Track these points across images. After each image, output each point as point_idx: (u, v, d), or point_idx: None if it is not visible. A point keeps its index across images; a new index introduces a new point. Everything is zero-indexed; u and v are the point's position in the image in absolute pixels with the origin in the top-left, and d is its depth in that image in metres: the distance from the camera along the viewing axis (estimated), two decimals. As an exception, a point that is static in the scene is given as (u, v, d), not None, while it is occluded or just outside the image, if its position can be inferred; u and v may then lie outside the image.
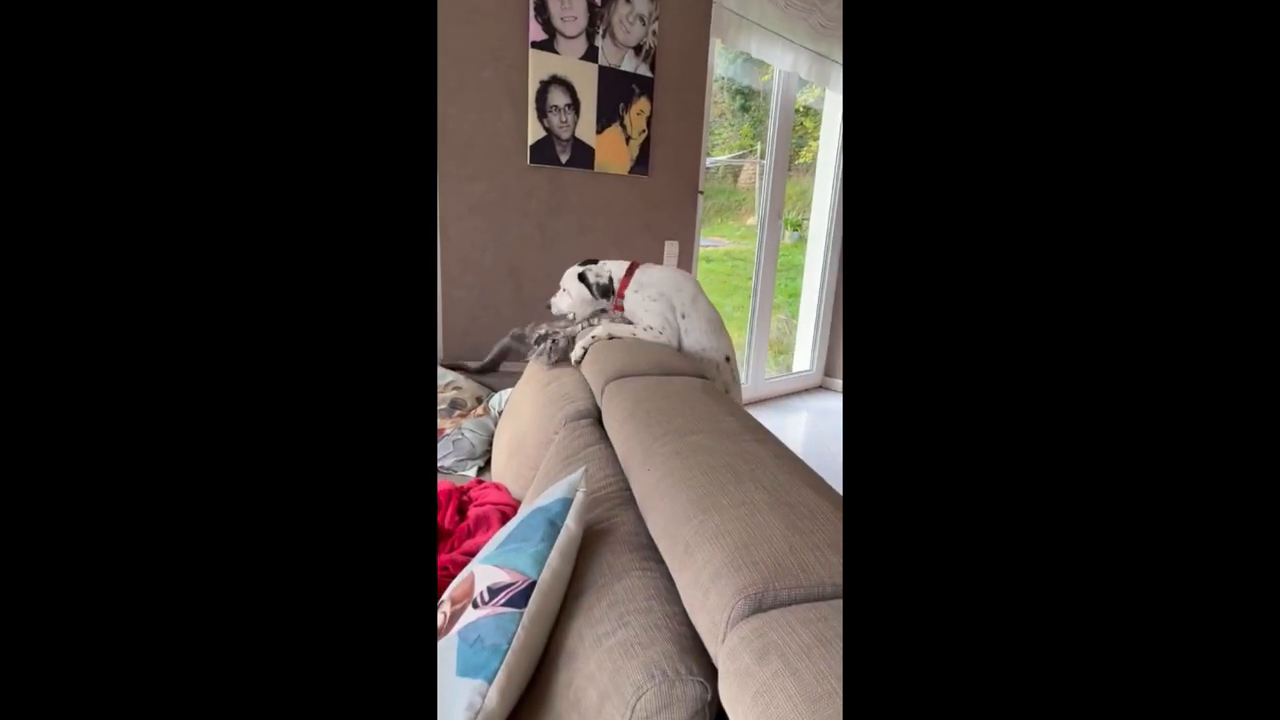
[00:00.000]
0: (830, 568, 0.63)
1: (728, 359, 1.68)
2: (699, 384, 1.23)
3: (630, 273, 1.68)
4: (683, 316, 1.64)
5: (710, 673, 0.61)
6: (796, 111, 3.30)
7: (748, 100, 3.41)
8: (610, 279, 1.68)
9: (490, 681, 0.65)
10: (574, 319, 1.74)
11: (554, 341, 1.58)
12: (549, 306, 1.79)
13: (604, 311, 1.72)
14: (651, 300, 1.63)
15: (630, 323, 1.63)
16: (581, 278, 1.69)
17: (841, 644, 0.52)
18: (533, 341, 1.64)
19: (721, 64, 3.05)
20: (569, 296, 1.73)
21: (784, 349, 3.93)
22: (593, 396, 1.34)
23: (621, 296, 1.67)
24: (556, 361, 1.56)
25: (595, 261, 1.74)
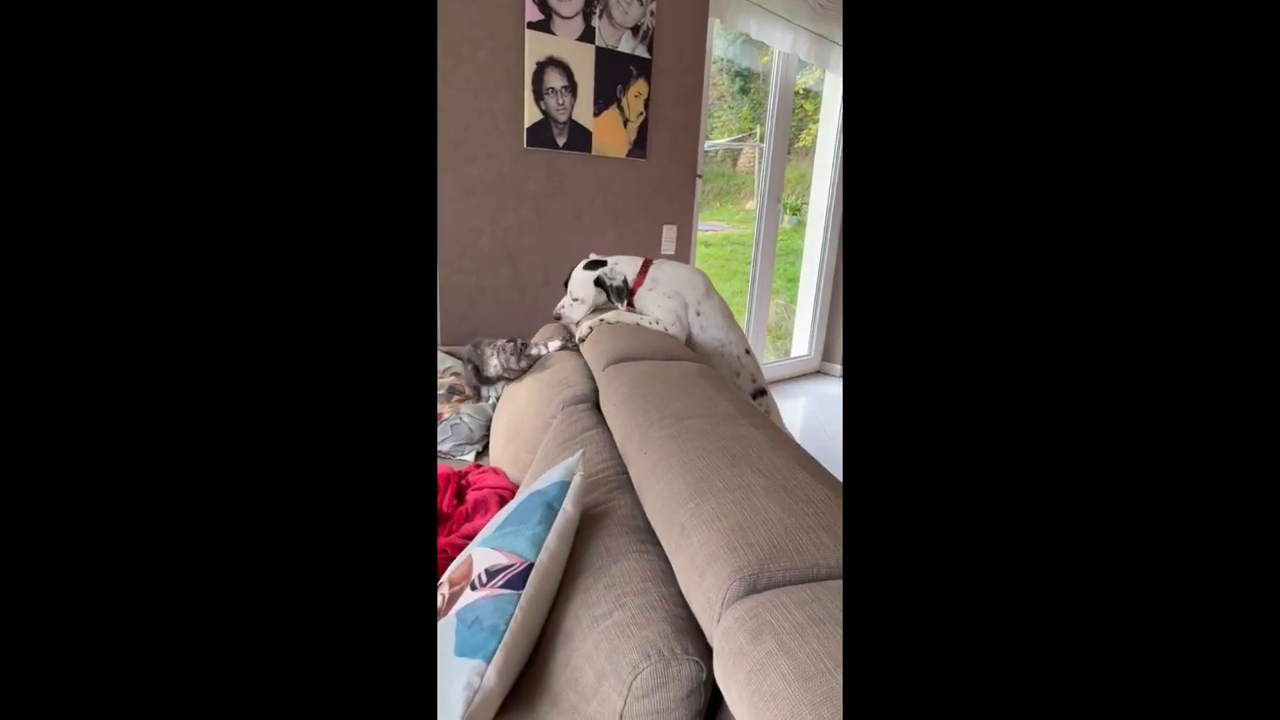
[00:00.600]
0: (825, 550, 0.64)
1: (748, 351, 1.68)
2: (696, 369, 1.23)
3: (644, 270, 1.64)
4: (697, 314, 1.63)
5: (705, 652, 0.62)
6: (796, 94, 3.27)
7: (747, 82, 3.37)
8: (625, 281, 1.62)
9: (488, 661, 0.66)
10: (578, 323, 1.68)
11: (520, 346, 1.55)
12: (557, 317, 1.70)
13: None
14: (666, 298, 1.62)
15: (640, 314, 1.63)
16: (598, 282, 1.62)
17: (834, 624, 0.53)
18: (496, 352, 1.56)
19: (720, 45, 3.02)
20: (582, 305, 1.65)
21: (782, 334, 3.93)
22: (590, 381, 1.34)
23: (634, 294, 1.63)
24: (522, 372, 1.54)
25: (603, 262, 1.66)
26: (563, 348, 1.57)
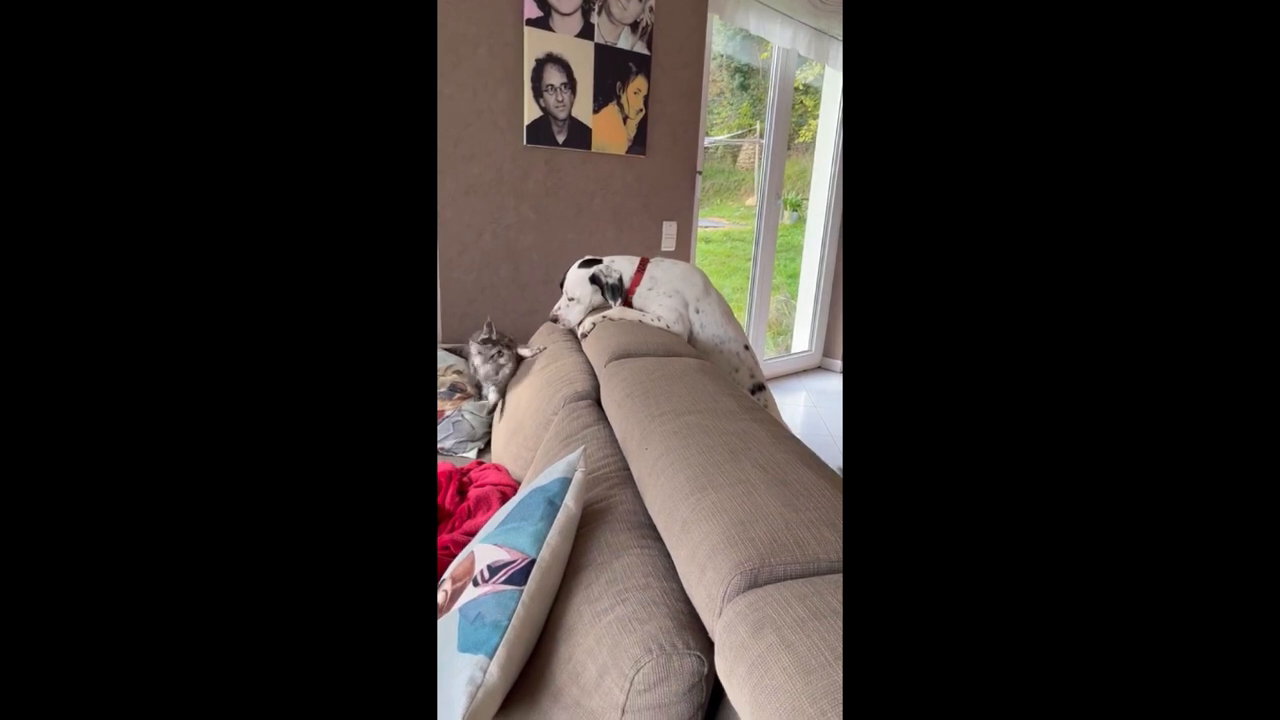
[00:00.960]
0: (825, 544, 0.64)
1: (746, 347, 1.68)
2: (697, 365, 1.23)
3: (642, 269, 1.64)
4: (696, 311, 1.64)
5: (707, 647, 0.63)
6: (796, 89, 3.27)
7: (747, 78, 3.36)
8: (620, 278, 1.63)
9: (491, 656, 0.67)
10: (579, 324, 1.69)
11: (504, 345, 1.57)
12: (554, 319, 1.69)
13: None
14: (666, 296, 1.62)
15: (641, 310, 1.63)
16: (594, 279, 1.61)
17: (835, 618, 0.53)
18: (484, 355, 1.59)
19: (720, 41, 3.01)
20: (579, 306, 1.64)
21: (783, 330, 3.93)
22: (591, 377, 1.34)
23: (633, 294, 1.64)
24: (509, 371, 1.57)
25: (598, 260, 1.66)
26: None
